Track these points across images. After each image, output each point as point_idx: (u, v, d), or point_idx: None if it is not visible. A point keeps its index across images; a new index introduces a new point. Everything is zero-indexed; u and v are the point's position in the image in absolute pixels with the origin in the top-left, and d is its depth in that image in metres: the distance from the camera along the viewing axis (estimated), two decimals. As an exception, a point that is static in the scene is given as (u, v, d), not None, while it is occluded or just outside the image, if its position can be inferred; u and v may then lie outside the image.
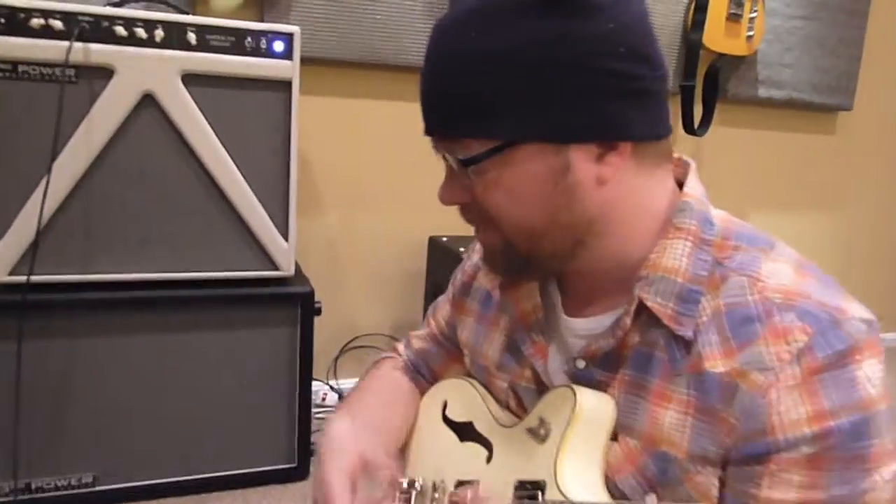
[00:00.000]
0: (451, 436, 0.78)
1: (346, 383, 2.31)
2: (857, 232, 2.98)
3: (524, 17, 0.57)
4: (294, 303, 1.71)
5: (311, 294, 1.72)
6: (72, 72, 1.43)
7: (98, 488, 1.65)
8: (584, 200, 0.61)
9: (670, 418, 0.61)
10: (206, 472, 1.73)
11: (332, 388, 2.26)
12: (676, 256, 0.62)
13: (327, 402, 2.23)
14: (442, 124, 0.63)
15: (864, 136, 2.86)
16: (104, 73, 1.45)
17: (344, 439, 0.72)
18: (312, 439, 1.85)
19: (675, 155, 0.72)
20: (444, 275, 2.19)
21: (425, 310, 2.31)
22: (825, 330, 0.56)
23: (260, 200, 1.62)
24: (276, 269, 1.67)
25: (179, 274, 1.59)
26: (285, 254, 1.67)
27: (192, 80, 1.51)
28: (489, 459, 0.71)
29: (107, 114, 1.46)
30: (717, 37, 2.36)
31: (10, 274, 1.47)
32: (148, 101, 1.49)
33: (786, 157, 2.75)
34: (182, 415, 1.68)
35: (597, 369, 0.67)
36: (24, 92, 1.41)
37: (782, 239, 0.67)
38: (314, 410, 2.16)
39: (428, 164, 0.67)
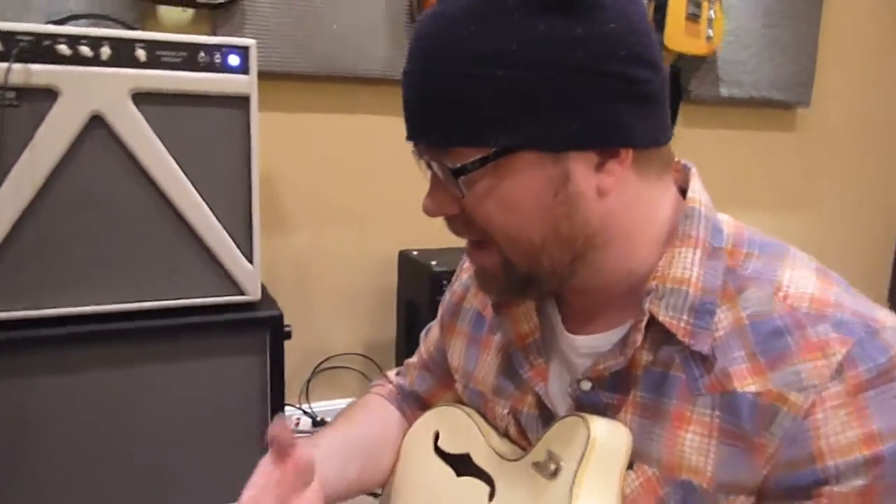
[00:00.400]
0: (447, 470, 0.72)
1: (320, 406, 2.23)
2: (819, 226, 3.01)
3: (521, 16, 0.52)
4: (262, 328, 1.63)
5: (280, 318, 1.64)
6: (12, 94, 1.34)
7: (58, 538, 1.54)
8: (585, 211, 0.57)
9: (690, 442, 0.56)
10: (175, 514, 1.63)
11: (305, 412, 2.17)
12: (686, 266, 0.58)
13: (301, 427, 2.15)
14: (428, 130, 0.58)
15: (823, 131, 2.90)
16: (48, 95, 1.36)
17: None
18: (288, 469, 1.77)
19: (675, 160, 0.68)
20: (415, 290, 2.13)
21: (398, 326, 2.25)
22: (863, 341, 0.52)
23: (221, 223, 1.54)
24: (242, 293, 1.59)
25: (138, 304, 1.50)
26: (251, 277, 1.59)
27: (142, 98, 1.43)
28: (491, 496, 0.66)
29: (52, 138, 1.37)
30: (677, 37, 2.36)
31: (-46, 314, 1.37)
32: (97, 123, 1.40)
33: (749, 155, 2.77)
34: (149, 452, 1.58)
35: (604, 391, 0.62)
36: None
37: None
38: (287, 437, 2.09)
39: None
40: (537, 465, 0.60)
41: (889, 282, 3.17)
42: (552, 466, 0.58)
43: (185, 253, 1.52)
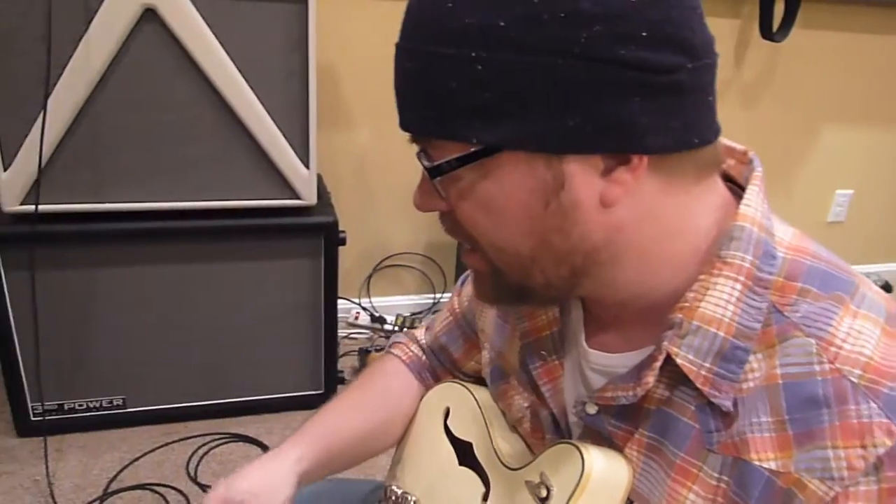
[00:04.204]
0: (451, 453, 0.69)
1: (379, 301, 2.26)
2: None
3: None
4: (317, 234, 1.62)
5: (335, 224, 1.62)
6: (64, -17, 1.30)
7: (128, 410, 1.67)
8: (584, 225, 0.47)
9: (692, 503, 0.49)
10: (231, 398, 1.73)
11: (363, 308, 2.21)
12: (721, 302, 0.48)
13: (360, 322, 2.19)
14: (407, 118, 0.50)
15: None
16: (100, -15, 1.31)
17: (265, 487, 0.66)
18: (339, 367, 1.83)
19: (740, 147, 0.55)
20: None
21: (461, 230, 2.20)
22: None
23: (277, 124, 1.49)
24: (297, 197, 1.57)
25: (193, 203, 1.51)
26: (306, 182, 1.56)
27: (196, -10, 1.36)
28: (485, 499, 0.63)
29: (106, 32, 1.33)
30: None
31: (22, 204, 1.41)
32: (150, 17, 1.35)
33: (869, 62, 2.43)
34: (206, 343, 1.66)
35: (610, 419, 0.55)
36: (11, 8, 1.29)
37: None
38: (347, 331, 2.14)
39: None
40: (529, 486, 0.56)
41: None
42: (543, 492, 0.54)
43: (240, 154, 1.50)
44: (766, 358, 0.47)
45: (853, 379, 0.44)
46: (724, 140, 0.54)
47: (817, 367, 0.45)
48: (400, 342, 0.86)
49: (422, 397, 0.79)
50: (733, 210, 0.51)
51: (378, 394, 0.79)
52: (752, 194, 0.51)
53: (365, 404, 0.77)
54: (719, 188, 0.52)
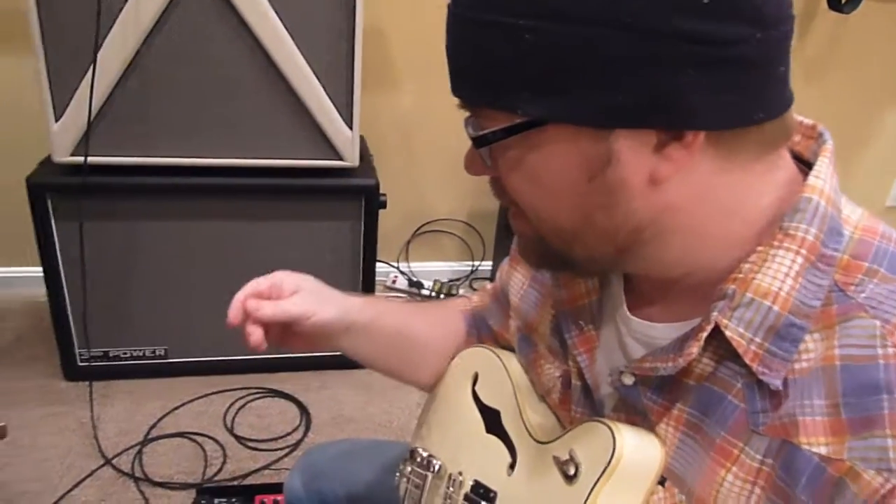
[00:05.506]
0: (478, 419, 0.69)
1: (418, 266, 2.26)
2: None
3: None
4: (357, 196, 1.62)
5: (376, 187, 1.62)
6: (117, -64, 1.30)
7: (170, 360, 1.72)
8: (630, 203, 0.46)
9: (730, 485, 0.47)
10: (268, 354, 1.75)
11: (401, 271, 2.22)
12: (779, 275, 0.46)
13: (397, 285, 2.20)
14: (458, 85, 0.49)
15: None
16: (151, -62, 1.31)
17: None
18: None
19: (808, 122, 0.53)
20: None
21: (503, 198, 2.18)
22: None
23: (321, 83, 1.48)
24: (339, 158, 1.57)
25: (236, 160, 1.52)
26: (349, 143, 1.55)
27: (245, -55, 1.34)
28: (511, 468, 0.62)
29: (156, -15, 1.33)
30: None
31: (72, 155, 1.44)
32: (198, -28, 1.35)
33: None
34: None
35: (648, 391, 0.54)
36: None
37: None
38: (384, 294, 2.15)
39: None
40: (557, 461, 0.55)
41: None
42: (571, 469, 0.53)
43: (283, 113, 1.50)
44: (824, 339, 0.45)
45: None
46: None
47: (880, 351, 0.43)
48: (464, 296, 0.88)
49: (459, 348, 0.78)
50: (799, 186, 0.48)
51: (434, 318, 0.82)
52: (822, 166, 0.48)
53: (409, 319, 0.80)
54: (786, 164, 0.49)
